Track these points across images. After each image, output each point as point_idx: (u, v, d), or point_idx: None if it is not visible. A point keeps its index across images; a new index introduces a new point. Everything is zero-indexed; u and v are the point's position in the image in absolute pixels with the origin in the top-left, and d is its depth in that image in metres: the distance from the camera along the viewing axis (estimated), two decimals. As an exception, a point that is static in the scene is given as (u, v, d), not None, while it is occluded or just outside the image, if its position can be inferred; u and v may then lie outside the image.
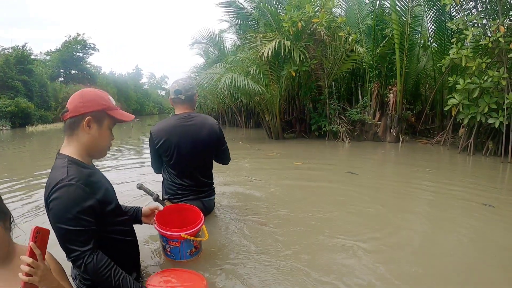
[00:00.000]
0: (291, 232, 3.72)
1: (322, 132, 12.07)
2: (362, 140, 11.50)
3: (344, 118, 11.72)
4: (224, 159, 4.16)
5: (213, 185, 4.23)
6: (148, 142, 3.90)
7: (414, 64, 11.87)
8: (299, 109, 13.22)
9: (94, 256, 2.15)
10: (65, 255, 2.19)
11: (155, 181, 5.48)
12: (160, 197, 3.40)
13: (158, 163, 4.03)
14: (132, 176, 6.86)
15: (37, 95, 39.91)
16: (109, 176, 2.68)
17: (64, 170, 2.22)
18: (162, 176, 4.08)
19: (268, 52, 10.37)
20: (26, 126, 34.04)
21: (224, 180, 6.32)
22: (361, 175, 6.66)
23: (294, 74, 11.29)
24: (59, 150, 2.41)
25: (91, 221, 2.18)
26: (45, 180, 2.24)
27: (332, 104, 11.79)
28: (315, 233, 3.66)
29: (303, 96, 12.51)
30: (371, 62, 11.64)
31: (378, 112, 11.34)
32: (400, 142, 10.78)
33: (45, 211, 2.06)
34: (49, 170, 2.28)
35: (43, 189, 2.09)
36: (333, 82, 12.16)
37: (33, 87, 39.73)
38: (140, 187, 3.27)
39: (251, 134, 16.30)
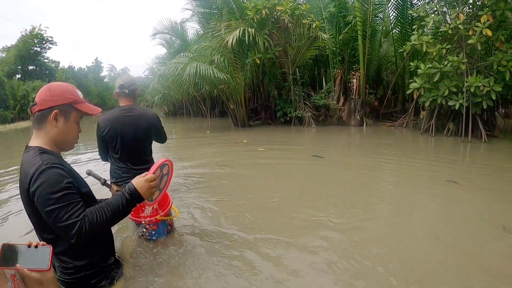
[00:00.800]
0: (255, 210, 3.98)
1: (288, 118, 12.29)
2: (327, 124, 11.80)
3: (309, 104, 11.94)
4: (162, 139, 4.49)
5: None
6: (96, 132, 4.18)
7: (376, 50, 12.20)
8: (264, 97, 13.39)
9: (85, 217, 2.18)
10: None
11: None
12: (108, 182, 3.63)
13: (105, 151, 4.31)
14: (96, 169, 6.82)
15: None
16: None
17: (37, 158, 2.28)
18: (109, 163, 4.40)
19: (232, 40, 10.46)
20: None
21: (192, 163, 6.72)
22: (328, 159, 6.83)
23: (258, 62, 11.42)
24: (27, 144, 2.44)
25: (76, 194, 2.23)
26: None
27: (296, 90, 12.01)
28: (279, 211, 3.95)
29: (268, 83, 12.68)
30: (334, 49, 11.87)
31: (342, 97, 11.65)
32: (365, 125, 11.13)
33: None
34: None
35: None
36: (297, 69, 12.38)
37: None
38: (89, 173, 3.32)
39: (216, 123, 16.36)
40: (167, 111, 25.67)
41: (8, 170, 7.35)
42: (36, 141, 2.42)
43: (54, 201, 2.15)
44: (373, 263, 2.75)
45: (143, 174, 2.51)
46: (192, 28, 21.17)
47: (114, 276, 2.66)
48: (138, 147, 4.22)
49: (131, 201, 2.41)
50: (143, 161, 4.31)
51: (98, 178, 3.36)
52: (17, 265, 1.70)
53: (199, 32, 18.58)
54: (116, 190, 3.91)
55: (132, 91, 4.19)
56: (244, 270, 2.85)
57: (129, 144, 4.10)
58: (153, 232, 3.30)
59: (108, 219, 2.32)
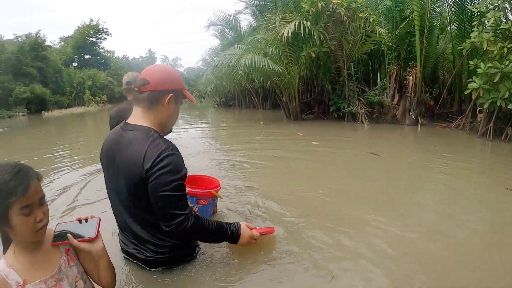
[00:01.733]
0: (307, 206, 3.99)
1: (341, 114, 12.15)
2: (380, 122, 11.52)
3: (362, 100, 11.76)
4: None
5: None
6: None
7: (434, 46, 11.84)
8: (318, 91, 13.33)
9: (191, 217, 2.33)
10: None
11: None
12: None
13: None
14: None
15: (52, 81, 40.14)
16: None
17: (160, 140, 2.35)
18: None
19: (287, 33, 10.46)
20: (42, 112, 34.29)
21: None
22: (383, 157, 6.78)
23: (313, 55, 11.37)
24: (126, 121, 2.55)
25: (185, 187, 2.37)
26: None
27: (351, 85, 11.86)
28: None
29: (322, 77, 12.62)
30: (390, 44, 11.58)
31: (396, 95, 11.34)
32: (419, 125, 10.75)
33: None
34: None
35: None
36: (352, 64, 12.16)
37: (48, 73, 39.89)
38: None
39: (268, 115, 16.41)
40: (219, 101, 25.77)
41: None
42: (145, 120, 2.49)
43: (172, 188, 2.26)
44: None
45: (253, 226, 2.78)
46: (246, 20, 21.13)
47: (196, 256, 2.79)
48: None
49: (229, 237, 2.62)
50: None
51: None
52: (68, 236, 1.86)
53: (252, 25, 18.70)
54: None
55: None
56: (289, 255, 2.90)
57: None
58: (201, 209, 3.41)
59: (207, 231, 2.50)
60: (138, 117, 2.51)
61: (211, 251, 2.90)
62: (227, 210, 3.87)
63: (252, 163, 6.24)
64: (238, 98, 22.72)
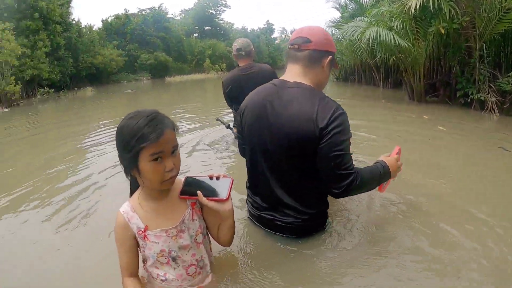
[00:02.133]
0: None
1: (469, 100, 11.03)
2: (510, 115, 10.12)
3: (493, 87, 10.50)
4: None
5: None
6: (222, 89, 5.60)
7: None
8: (444, 72, 12.25)
9: (359, 174, 2.35)
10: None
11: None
12: (231, 125, 5.71)
13: (230, 103, 5.70)
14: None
15: (174, 50, 44.22)
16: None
17: (328, 99, 2.38)
18: (233, 112, 5.92)
19: (416, 5, 9.66)
20: (165, 77, 38.19)
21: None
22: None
23: (443, 32, 10.42)
24: (283, 79, 2.58)
25: None
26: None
27: (482, 69, 10.63)
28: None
29: (451, 57, 11.53)
30: (530, 25, 10.16)
31: (532, 85, 9.94)
32: None
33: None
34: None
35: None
36: (483, 44, 10.87)
37: (170, 43, 44.61)
38: (217, 119, 5.85)
39: (389, 94, 15.77)
40: (338, 75, 25.43)
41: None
42: (304, 78, 2.50)
43: (344, 147, 2.28)
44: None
45: (388, 154, 2.78)
46: None
47: (325, 228, 2.84)
48: None
49: (383, 176, 2.57)
50: None
51: (224, 123, 5.56)
52: (198, 193, 1.91)
53: None
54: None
55: (248, 52, 5.36)
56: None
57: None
58: None
59: (370, 181, 2.47)
60: (296, 75, 2.50)
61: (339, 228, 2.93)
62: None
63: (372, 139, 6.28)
64: (359, 74, 22.00)
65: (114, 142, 1.81)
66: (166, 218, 1.94)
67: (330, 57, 2.48)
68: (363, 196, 3.51)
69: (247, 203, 3.02)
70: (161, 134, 1.70)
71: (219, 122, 6.38)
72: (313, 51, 2.43)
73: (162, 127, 1.73)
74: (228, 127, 6.07)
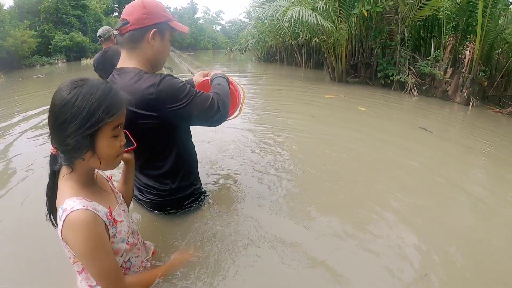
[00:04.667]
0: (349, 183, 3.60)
1: (389, 81, 11.37)
2: (430, 96, 10.67)
3: (413, 70, 10.88)
4: None
5: None
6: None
7: (495, 23, 10.54)
8: (366, 54, 12.52)
9: (214, 94, 2.40)
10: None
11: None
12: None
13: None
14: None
15: (91, 30, 42.23)
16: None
17: (147, 75, 2.24)
18: None
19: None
20: (81, 59, 36.00)
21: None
22: (437, 135, 6.08)
23: (366, 14, 10.58)
24: (116, 66, 2.42)
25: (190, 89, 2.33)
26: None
27: (403, 52, 10.97)
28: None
29: (373, 39, 11.76)
30: (449, 13, 10.52)
31: (450, 69, 10.34)
32: (470, 105, 9.74)
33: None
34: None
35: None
36: (405, 29, 11.13)
37: (87, 22, 41.84)
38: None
39: (310, 74, 15.89)
40: (260, 56, 25.71)
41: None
42: (131, 62, 2.36)
43: (186, 94, 2.24)
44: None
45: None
46: None
47: (203, 200, 2.87)
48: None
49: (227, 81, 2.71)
50: None
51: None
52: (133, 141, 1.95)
53: None
54: None
55: (107, 38, 6.27)
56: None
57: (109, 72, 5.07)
58: None
59: (226, 93, 2.53)
60: (124, 60, 2.40)
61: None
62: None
63: (288, 123, 5.99)
64: (280, 54, 22.35)
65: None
66: (107, 195, 1.74)
67: (154, 30, 2.31)
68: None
69: None
70: (122, 104, 1.50)
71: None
72: (133, 32, 2.30)
73: (121, 97, 1.52)
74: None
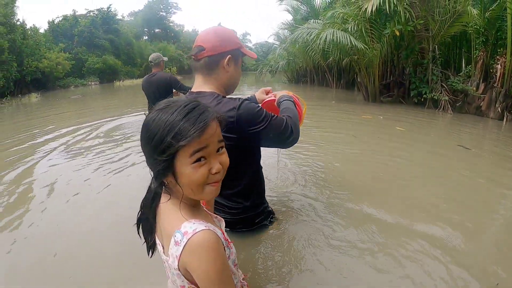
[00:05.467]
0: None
1: (422, 100, 11.34)
2: (463, 112, 10.57)
3: (445, 86, 10.84)
4: (181, 89, 7.24)
5: None
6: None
7: None
8: (398, 72, 12.55)
9: (287, 117, 2.54)
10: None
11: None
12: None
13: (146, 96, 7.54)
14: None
15: (123, 53, 43.41)
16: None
17: (226, 99, 2.41)
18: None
19: (372, 8, 9.76)
20: (114, 81, 37.43)
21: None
22: (476, 152, 6.10)
23: (398, 34, 10.65)
24: (190, 89, 2.60)
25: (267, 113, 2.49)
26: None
27: (435, 70, 10.96)
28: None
29: (405, 58, 11.81)
30: (478, 27, 10.56)
31: (482, 84, 10.31)
32: (504, 120, 9.55)
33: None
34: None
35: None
36: (436, 46, 11.17)
37: (119, 45, 43.22)
38: (144, 114, 6.22)
39: (341, 95, 15.95)
40: (290, 77, 25.81)
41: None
42: (207, 86, 2.52)
43: (264, 117, 2.40)
44: None
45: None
46: None
47: (272, 218, 3.02)
48: (160, 95, 7.00)
49: (289, 104, 2.78)
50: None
51: (146, 114, 5.54)
52: None
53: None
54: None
55: (157, 64, 7.31)
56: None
57: (153, 93, 7.13)
58: None
59: (295, 114, 2.65)
60: (200, 85, 2.54)
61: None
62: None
63: (332, 142, 6.24)
64: (311, 75, 22.38)
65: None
66: (209, 219, 1.63)
67: (229, 56, 2.46)
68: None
69: None
70: (205, 127, 1.33)
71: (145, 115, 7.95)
72: (208, 58, 2.44)
73: (206, 118, 1.35)
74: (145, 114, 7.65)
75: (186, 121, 1.31)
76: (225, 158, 1.47)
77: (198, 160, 1.35)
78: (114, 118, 10.01)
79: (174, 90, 7.22)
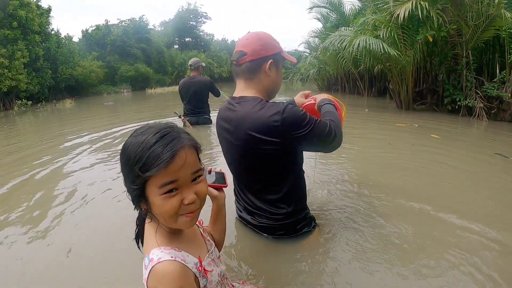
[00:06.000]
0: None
1: (456, 107, 11.08)
2: (499, 119, 10.26)
3: (480, 93, 10.55)
4: (215, 94, 8.88)
5: (207, 110, 8.83)
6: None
7: None
8: (431, 79, 12.27)
9: (331, 127, 2.49)
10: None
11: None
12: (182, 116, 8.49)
13: (181, 99, 8.85)
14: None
15: (155, 61, 44.50)
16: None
17: (270, 103, 2.41)
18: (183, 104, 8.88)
19: (404, 14, 9.61)
20: (146, 89, 38.55)
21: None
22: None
23: (431, 39, 10.44)
24: (232, 95, 2.64)
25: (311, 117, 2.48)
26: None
27: (469, 76, 10.67)
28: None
29: (438, 64, 11.58)
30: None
31: (517, 90, 9.99)
32: None
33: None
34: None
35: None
36: (469, 51, 10.90)
37: (151, 54, 45.02)
38: (174, 112, 8.73)
39: (373, 103, 15.72)
40: (321, 85, 25.87)
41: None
42: (249, 91, 2.56)
43: (308, 121, 2.36)
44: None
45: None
46: (348, 3, 22.14)
47: (314, 224, 2.92)
48: (198, 98, 8.48)
49: (329, 107, 2.80)
50: (200, 106, 8.61)
51: (177, 113, 8.55)
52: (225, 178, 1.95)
53: (356, 6, 18.96)
54: (183, 119, 8.43)
55: (196, 68, 8.29)
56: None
57: (192, 96, 8.42)
58: None
59: (337, 118, 2.65)
60: (242, 90, 2.57)
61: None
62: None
63: (364, 148, 6.23)
64: (342, 83, 22.31)
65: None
66: (197, 243, 1.62)
67: (270, 61, 2.51)
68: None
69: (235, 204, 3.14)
70: (171, 157, 1.26)
71: (175, 114, 8.94)
72: (250, 63, 2.48)
73: (173, 147, 1.28)
74: (179, 117, 8.66)
75: (153, 150, 1.26)
76: (201, 187, 1.41)
77: (169, 191, 1.31)
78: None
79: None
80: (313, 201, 3.63)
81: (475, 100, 10.47)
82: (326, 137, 2.44)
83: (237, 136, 2.50)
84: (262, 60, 2.48)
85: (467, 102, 10.57)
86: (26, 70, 24.34)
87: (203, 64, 8.59)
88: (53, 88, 28.45)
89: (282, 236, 2.74)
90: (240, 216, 3.01)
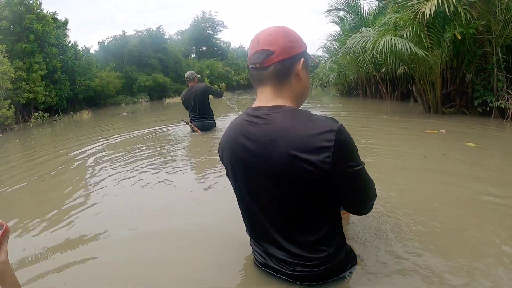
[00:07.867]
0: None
1: (487, 109, 10.36)
2: (531, 121, 9.56)
3: (511, 93, 9.81)
4: (217, 95, 9.89)
5: (211, 115, 9.68)
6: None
7: None
8: (459, 80, 11.63)
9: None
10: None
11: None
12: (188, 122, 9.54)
13: (185, 108, 9.83)
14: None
15: (172, 71, 45.52)
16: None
17: (317, 117, 1.85)
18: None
19: (430, 11, 9.03)
20: (164, 98, 39.81)
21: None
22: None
23: (459, 37, 9.79)
24: (254, 106, 2.03)
25: None
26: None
27: (500, 75, 9.96)
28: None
29: (466, 64, 10.90)
30: (545, 26, 9.54)
31: (551, 90, 9.35)
32: None
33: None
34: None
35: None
36: (499, 49, 10.21)
37: (168, 64, 45.92)
38: (182, 120, 10.02)
39: (397, 107, 15.02)
40: (341, 90, 25.52)
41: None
42: (281, 99, 1.95)
43: (359, 157, 1.86)
44: None
45: None
46: (366, 4, 21.83)
47: (355, 262, 2.29)
48: (200, 104, 9.32)
49: None
50: (203, 111, 9.41)
51: (184, 120, 9.78)
52: None
53: (372, 7, 18.72)
54: (190, 125, 9.36)
55: (192, 79, 9.42)
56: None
57: (194, 103, 9.33)
58: None
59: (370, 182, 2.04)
60: (270, 99, 1.94)
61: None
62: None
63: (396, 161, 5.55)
64: (363, 87, 21.79)
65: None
66: None
67: (302, 59, 1.93)
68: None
69: (252, 248, 2.42)
70: None
71: (183, 121, 9.92)
72: (280, 63, 1.88)
73: None
74: (186, 123, 9.55)
75: None
76: None
77: None
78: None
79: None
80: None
81: (507, 101, 9.78)
82: (370, 189, 1.97)
83: (270, 157, 1.87)
84: (294, 59, 1.91)
85: (499, 103, 9.88)
86: (44, 82, 24.70)
87: (198, 76, 9.82)
88: (71, 99, 28.88)
89: (325, 281, 2.10)
90: (262, 264, 2.30)
